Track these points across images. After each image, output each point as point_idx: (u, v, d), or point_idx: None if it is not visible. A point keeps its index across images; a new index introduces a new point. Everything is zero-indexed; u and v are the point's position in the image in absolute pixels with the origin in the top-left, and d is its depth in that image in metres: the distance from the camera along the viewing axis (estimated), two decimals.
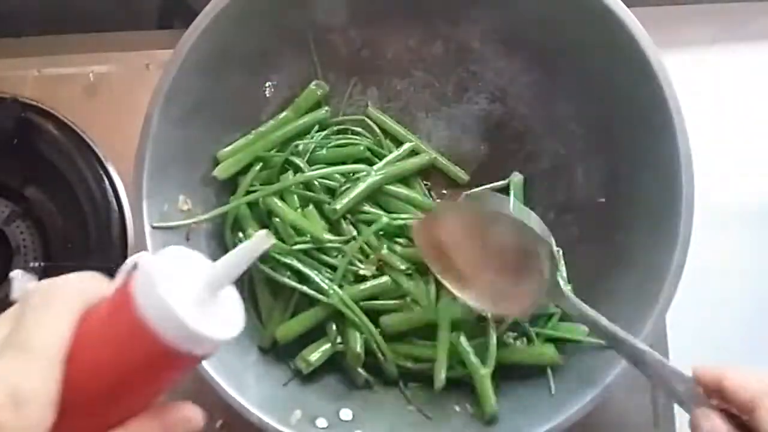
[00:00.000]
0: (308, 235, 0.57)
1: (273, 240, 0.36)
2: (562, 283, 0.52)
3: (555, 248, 0.53)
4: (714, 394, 0.41)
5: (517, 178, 0.63)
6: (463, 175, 0.64)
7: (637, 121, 0.55)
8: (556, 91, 0.61)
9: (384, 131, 0.63)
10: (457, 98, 0.65)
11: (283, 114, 0.61)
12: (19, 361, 0.28)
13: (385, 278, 0.57)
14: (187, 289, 0.31)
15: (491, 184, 0.63)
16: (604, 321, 0.49)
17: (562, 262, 0.60)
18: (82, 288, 0.32)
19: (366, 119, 0.63)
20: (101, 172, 0.65)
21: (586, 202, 0.60)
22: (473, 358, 0.55)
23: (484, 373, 0.54)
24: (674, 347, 0.61)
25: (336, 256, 0.57)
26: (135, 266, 0.32)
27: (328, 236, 0.57)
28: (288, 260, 0.56)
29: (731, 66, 0.70)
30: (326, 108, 0.62)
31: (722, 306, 0.65)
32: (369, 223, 0.58)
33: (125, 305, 0.30)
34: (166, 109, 0.53)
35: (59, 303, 0.30)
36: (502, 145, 0.64)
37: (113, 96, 0.68)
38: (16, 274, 0.33)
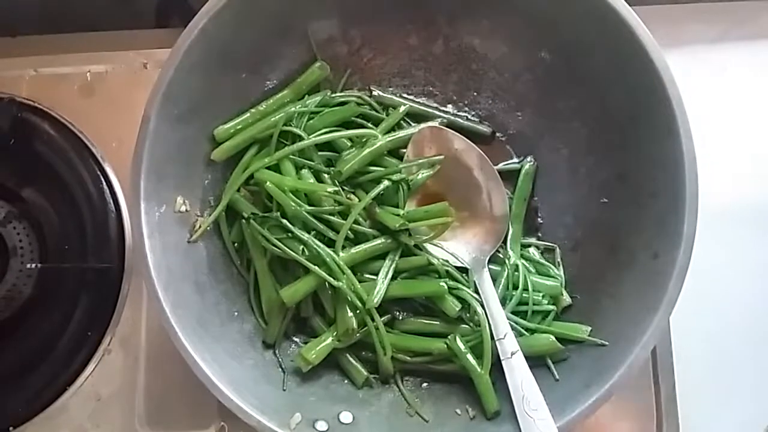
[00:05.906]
0: (309, 197, 0.57)
1: None
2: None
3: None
4: None
5: (529, 164, 0.63)
6: (486, 130, 0.64)
7: (640, 121, 0.55)
8: (558, 91, 0.61)
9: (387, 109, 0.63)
10: (458, 98, 0.64)
11: (283, 92, 0.60)
12: None
13: (379, 240, 0.57)
14: None
15: (503, 163, 0.63)
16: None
17: (559, 259, 0.61)
18: None
19: (365, 97, 0.62)
20: (98, 172, 0.64)
21: (589, 202, 0.60)
22: (471, 358, 0.55)
23: (480, 372, 0.54)
24: (678, 349, 0.61)
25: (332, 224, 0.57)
26: None
27: (330, 189, 0.56)
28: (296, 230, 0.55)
29: (735, 65, 0.70)
30: (328, 90, 0.61)
31: (726, 307, 0.64)
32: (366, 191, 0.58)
33: None
34: (164, 109, 0.53)
35: None
36: (502, 145, 0.64)
37: (110, 96, 0.67)
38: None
